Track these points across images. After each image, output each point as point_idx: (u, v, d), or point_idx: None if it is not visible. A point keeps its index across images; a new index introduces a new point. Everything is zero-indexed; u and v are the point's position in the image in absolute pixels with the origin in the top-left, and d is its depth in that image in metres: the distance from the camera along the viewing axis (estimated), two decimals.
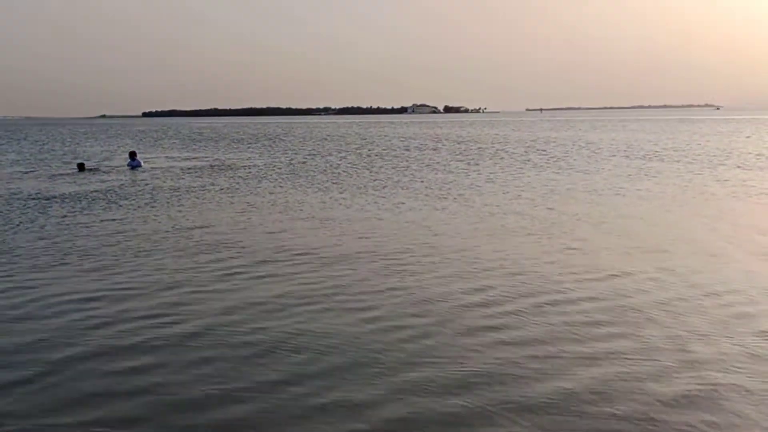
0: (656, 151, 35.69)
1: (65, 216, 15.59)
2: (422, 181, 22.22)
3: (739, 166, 26.10)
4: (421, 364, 6.27)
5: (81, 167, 28.57)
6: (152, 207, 17.01)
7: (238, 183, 22.69)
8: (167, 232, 13.38)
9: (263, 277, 9.56)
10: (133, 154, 30.79)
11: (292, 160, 33.97)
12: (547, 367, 6.22)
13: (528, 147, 42.48)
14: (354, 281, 9.27)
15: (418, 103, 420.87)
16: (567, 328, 7.28)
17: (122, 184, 22.39)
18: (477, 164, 29.22)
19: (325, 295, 8.57)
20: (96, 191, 20.46)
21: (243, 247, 11.67)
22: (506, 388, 5.79)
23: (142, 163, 30.31)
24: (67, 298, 8.63)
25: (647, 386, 5.78)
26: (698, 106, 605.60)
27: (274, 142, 56.21)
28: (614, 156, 32.97)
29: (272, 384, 5.89)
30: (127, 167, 29.31)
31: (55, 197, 19.11)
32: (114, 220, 14.97)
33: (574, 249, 11.27)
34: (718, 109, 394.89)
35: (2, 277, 9.82)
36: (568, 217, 14.61)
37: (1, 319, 7.78)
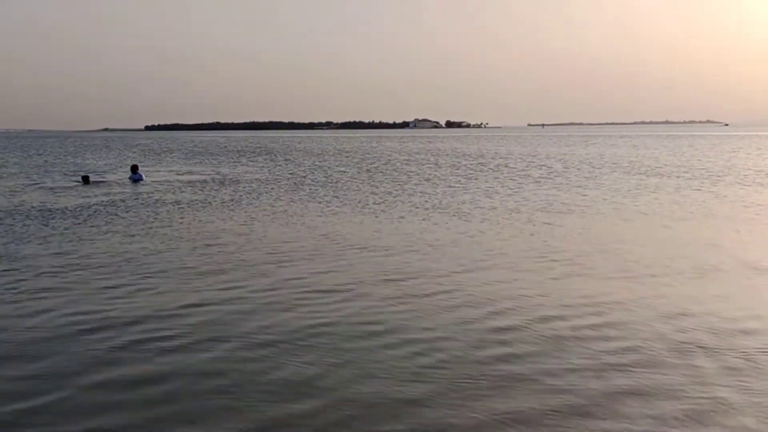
0: (656, 167, 35.84)
1: (68, 230, 15.67)
2: (422, 195, 22.33)
3: (738, 182, 26.23)
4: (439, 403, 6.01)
5: (86, 180, 28.65)
6: (155, 221, 17.10)
7: (240, 196, 22.79)
8: (174, 249, 13.46)
9: (271, 299, 9.23)
10: (135, 168, 30.91)
11: (293, 173, 34.13)
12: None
13: (528, 162, 42.64)
14: (365, 307, 8.94)
15: (420, 118, 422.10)
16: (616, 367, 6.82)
17: (124, 198, 22.50)
18: (476, 179, 29.36)
19: (336, 320, 8.35)
20: (98, 204, 20.57)
21: (248, 266, 11.63)
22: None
23: (144, 177, 30.42)
24: (77, 319, 8.42)
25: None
26: (700, 122, 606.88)
27: (276, 156, 56.43)
28: (614, 171, 33.12)
29: (298, 416, 5.73)
30: (128, 180, 29.42)
31: (58, 210, 19.21)
32: (117, 232, 15.07)
33: (578, 267, 11.36)
34: (726, 125, 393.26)
35: (9, 297, 9.72)
36: (567, 231, 14.71)
37: (9, 346, 7.51)
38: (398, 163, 42.58)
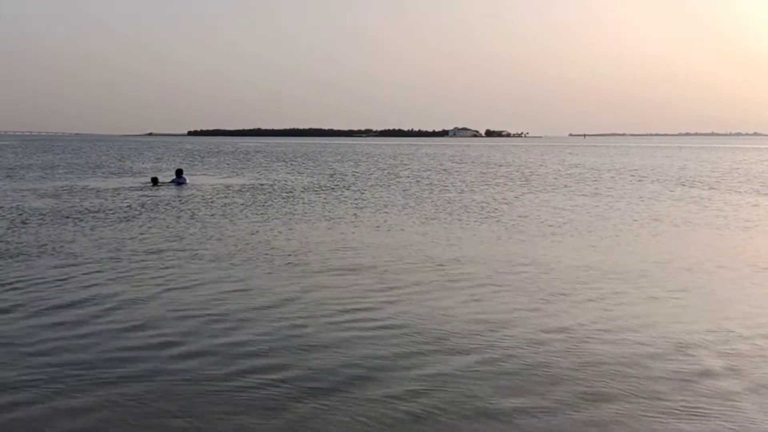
0: (682, 177, 36.42)
1: (137, 229, 17.36)
2: (449, 201, 23.60)
3: (756, 191, 26.91)
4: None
5: (155, 181, 30.57)
6: (198, 222, 18.71)
7: (278, 200, 24.38)
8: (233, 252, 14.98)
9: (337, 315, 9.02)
10: (179, 172, 32.46)
11: (331, 176, 35.61)
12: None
13: (558, 172, 43.46)
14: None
15: (460, 127, 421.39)
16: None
17: (169, 201, 24.22)
18: (506, 185, 30.48)
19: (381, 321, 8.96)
20: (155, 204, 22.33)
21: (302, 272, 12.97)
22: None
23: (188, 180, 31.98)
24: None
25: None
26: (747, 134, 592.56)
27: (315, 162, 58.01)
28: (641, 180, 33.87)
29: None
30: (172, 184, 30.94)
31: (114, 210, 21.03)
32: (164, 229, 16.71)
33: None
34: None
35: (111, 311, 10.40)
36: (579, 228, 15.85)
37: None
38: (432, 171, 43.80)
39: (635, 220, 18.57)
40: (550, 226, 17.40)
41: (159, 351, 7.58)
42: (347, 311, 9.14)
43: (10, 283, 10.60)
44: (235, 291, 10.28)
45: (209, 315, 8.97)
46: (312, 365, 7.13)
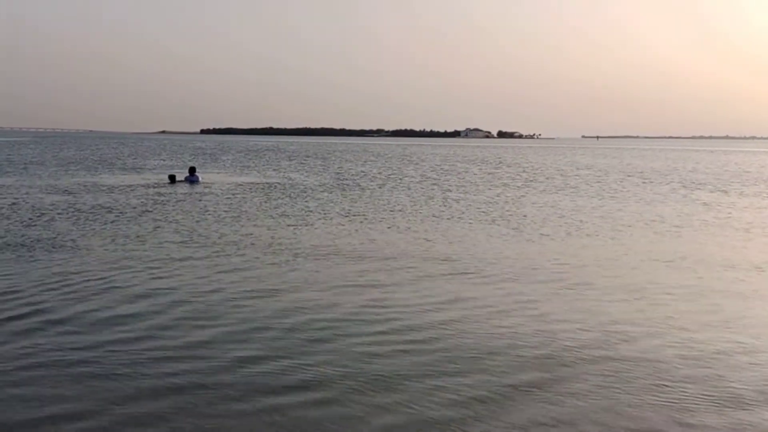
0: (687, 179, 36.58)
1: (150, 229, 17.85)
2: (459, 202, 23.97)
3: (758, 193, 27.10)
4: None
5: (172, 179, 31.03)
6: (213, 219, 19.18)
7: (291, 198, 24.85)
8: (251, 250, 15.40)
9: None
10: (192, 170, 32.88)
11: (342, 176, 36.00)
12: None
13: (566, 174, 43.67)
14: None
15: (472, 127, 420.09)
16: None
17: (182, 199, 24.72)
18: (506, 185, 30.78)
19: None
20: (171, 202, 22.82)
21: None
22: None
23: (200, 178, 32.40)
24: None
25: None
26: (761, 138, 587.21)
27: (326, 161, 58.32)
28: (646, 183, 34.07)
29: None
30: (185, 182, 31.26)
31: (132, 206, 21.55)
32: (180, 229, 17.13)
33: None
34: None
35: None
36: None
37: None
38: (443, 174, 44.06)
39: (637, 221, 18.89)
40: (560, 226, 17.76)
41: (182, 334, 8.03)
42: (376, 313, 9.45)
43: (47, 282, 10.79)
44: (252, 286, 10.72)
45: (240, 315, 9.41)
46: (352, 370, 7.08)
